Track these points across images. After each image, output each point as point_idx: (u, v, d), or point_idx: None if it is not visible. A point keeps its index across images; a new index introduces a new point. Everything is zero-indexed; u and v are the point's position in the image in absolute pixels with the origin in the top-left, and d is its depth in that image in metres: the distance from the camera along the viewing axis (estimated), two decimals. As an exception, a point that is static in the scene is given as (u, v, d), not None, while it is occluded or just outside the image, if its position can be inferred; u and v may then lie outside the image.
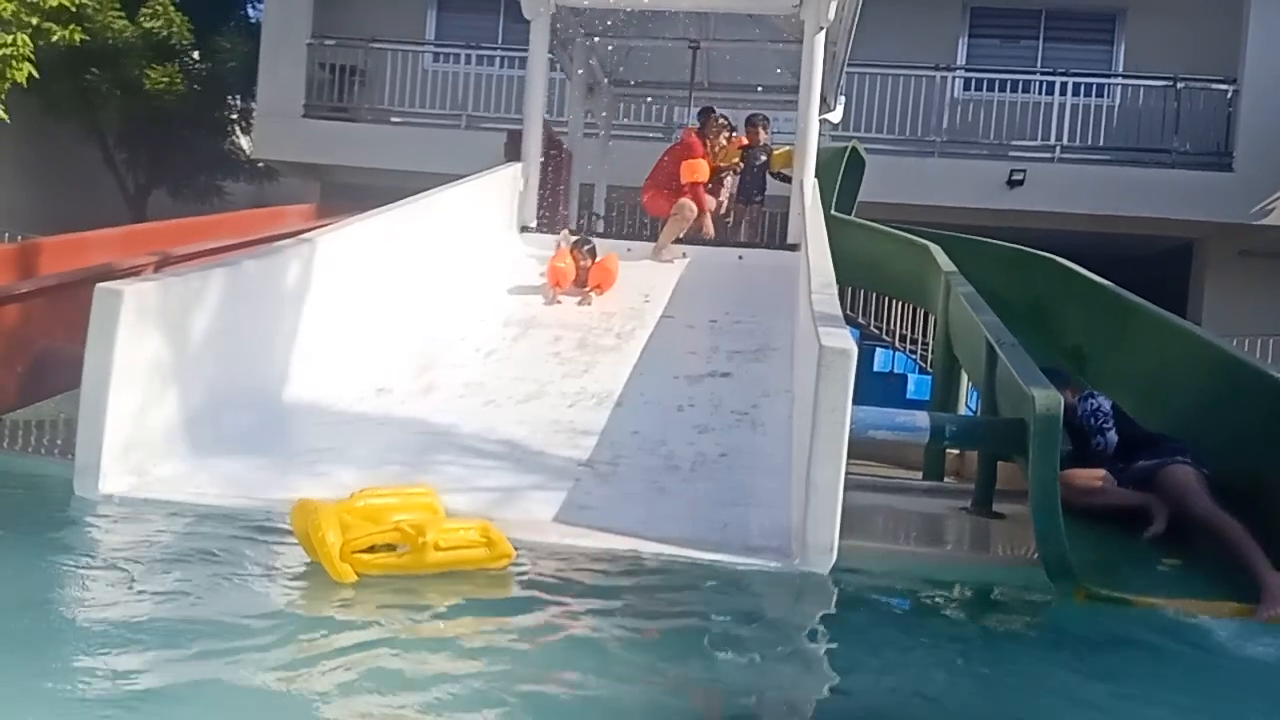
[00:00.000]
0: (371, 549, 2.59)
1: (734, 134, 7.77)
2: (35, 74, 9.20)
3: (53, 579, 2.43)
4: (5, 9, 8.85)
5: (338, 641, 2.15)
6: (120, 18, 11.30)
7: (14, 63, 8.85)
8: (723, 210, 7.65)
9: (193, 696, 1.78)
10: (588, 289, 6.19)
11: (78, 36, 9.72)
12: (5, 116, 9.26)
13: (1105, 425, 3.94)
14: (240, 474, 3.62)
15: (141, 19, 11.64)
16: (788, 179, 7.97)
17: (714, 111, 8.33)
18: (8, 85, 9.08)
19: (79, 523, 3.11)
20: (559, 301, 6.04)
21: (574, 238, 6.59)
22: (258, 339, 4.33)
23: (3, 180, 11.80)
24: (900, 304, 10.20)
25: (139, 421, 3.55)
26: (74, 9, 9.70)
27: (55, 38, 9.38)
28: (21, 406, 4.73)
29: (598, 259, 6.35)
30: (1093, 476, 3.78)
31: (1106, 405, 4.02)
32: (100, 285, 3.47)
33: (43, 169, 12.25)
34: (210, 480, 3.54)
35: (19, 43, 8.85)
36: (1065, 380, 4.15)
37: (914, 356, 10.33)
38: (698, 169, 7.14)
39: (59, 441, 4.92)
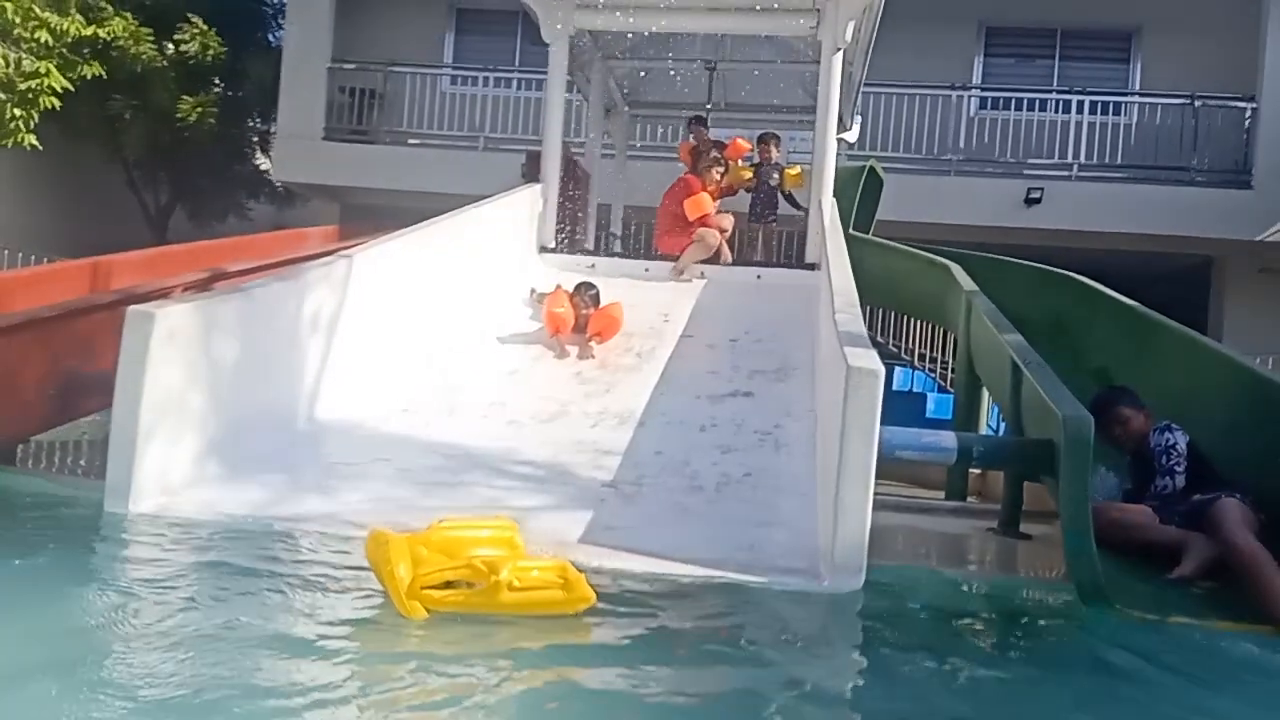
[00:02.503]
0: (448, 584, 2.44)
1: (725, 155, 7.65)
2: (68, 88, 9.44)
3: (89, 600, 2.42)
4: (41, 36, 9.09)
5: (375, 667, 2.15)
6: (151, 45, 11.43)
7: (43, 95, 9.11)
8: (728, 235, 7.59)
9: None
10: (588, 337, 5.71)
11: (100, 70, 9.98)
12: (37, 144, 9.45)
13: (1176, 466, 3.74)
14: (270, 494, 3.64)
15: (177, 40, 11.84)
16: (795, 201, 7.99)
17: (704, 122, 8.35)
18: (37, 113, 9.30)
19: (112, 543, 3.12)
20: (568, 354, 5.60)
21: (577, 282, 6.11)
22: (284, 360, 4.37)
23: (26, 203, 11.96)
24: (918, 322, 10.19)
25: (169, 441, 3.58)
26: (104, 41, 9.93)
27: (80, 70, 9.61)
28: (49, 429, 4.77)
29: (600, 305, 5.89)
30: (1133, 511, 3.70)
31: (1183, 444, 3.80)
32: (132, 308, 3.51)
33: (64, 191, 12.41)
34: (240, 500, 3.56)
35: (48, 73, 9.08)
36: (1139, 404, 4.05)
37: (933, 375, 10.31)
38: (701, 203, 7.08)
39: (82, 463, 4.97)
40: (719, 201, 7.52)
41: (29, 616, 2.30)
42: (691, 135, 8.34)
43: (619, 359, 5.58)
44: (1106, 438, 3.98)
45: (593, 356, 5.57)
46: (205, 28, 11.80)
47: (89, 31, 9.97)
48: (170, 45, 11.83)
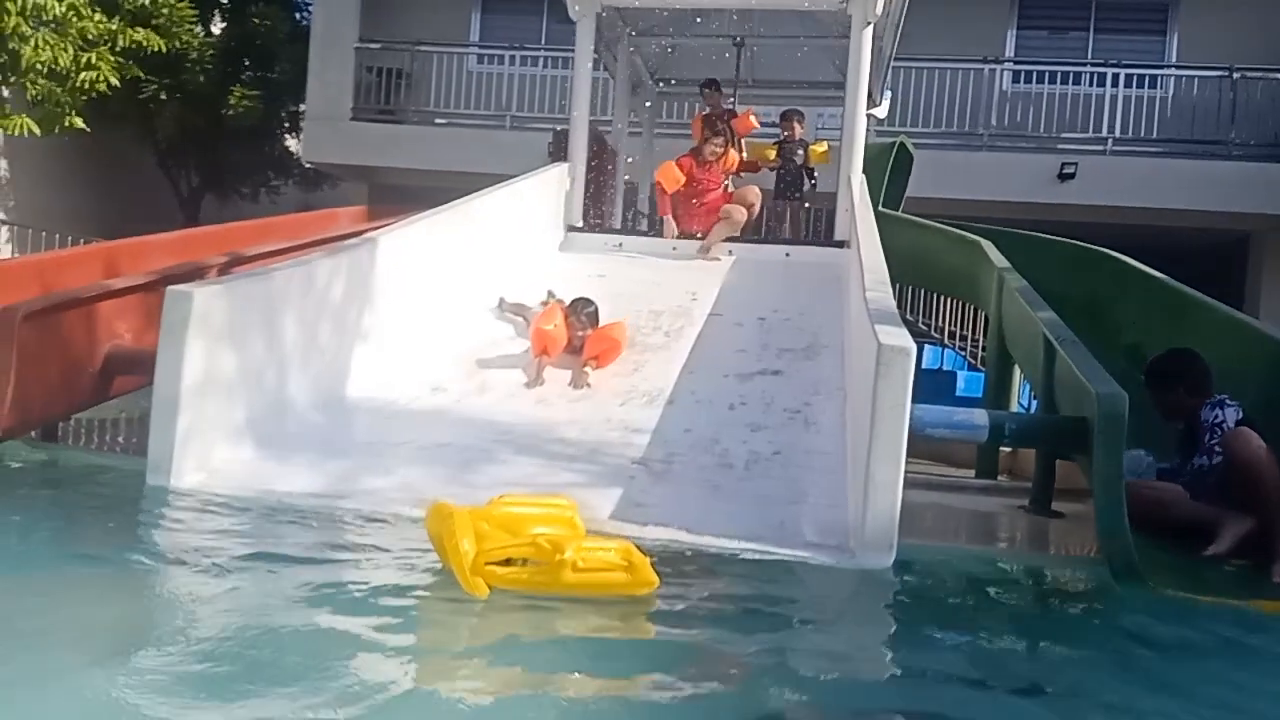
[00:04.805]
0: (507, 562, 2.40)
1: (730, 135, 7.40)
2: (116, 86, 9.74)
3: (136, 574, 2.47)
4: (96, 29, 9.30)
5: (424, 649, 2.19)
6: (191, 26, 11.52)
7: (97, 84, 9.36)
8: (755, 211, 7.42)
9: (293, 695, 1.72)
10: (584, 361, 4.93)
11: (139, 73, 10.21)
12: (85, 126, 9.63)
13: (1218, 447, 3.62)
14: (309, 470, 3.70)
15: (252, 14, 12.13)
16: (811, 174, 7.88)
17: (719, 87, 8.21)
18: (83, 100, 9.53)
19: (155, 517, 3.18)
20: (543, 381, 4.81)
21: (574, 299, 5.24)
22: (319, 338, 4.43)
23: (61, 186, 12.14)
24: (948, 300, 10.11)
25: (208, 418, 3.65)
26: (149, 51, 10.11)
27: (114, 77, 9.82)
28: (92, 406, 4.87)
29: (599, 325, 5.11)
30: (1164, 489, 3.67)
31: (1231, 420, 3.66)
32: (171, 288, 3.57)
33: (98, 174, 12.57)
34: (281, 475, 3.62)
35: (101, 64, 9.30)
36: (1200, 376, 3.87)
37: (962, 353, 10.24)
38: (663, 173, 6.97)
39: (119, 439, 5.08)
40: (728, 177, 7.33)
41: (75, 588, 2.35)
42: (705, 101, 8.22)
43: (647, 338, 5.59)
44: (1159, 404, 3.91)
45: (589, 385, 4.83)
46: (268, 5, 11.95)
47: (140, 36, 10.13)
48: (203, 27, 11.97)
